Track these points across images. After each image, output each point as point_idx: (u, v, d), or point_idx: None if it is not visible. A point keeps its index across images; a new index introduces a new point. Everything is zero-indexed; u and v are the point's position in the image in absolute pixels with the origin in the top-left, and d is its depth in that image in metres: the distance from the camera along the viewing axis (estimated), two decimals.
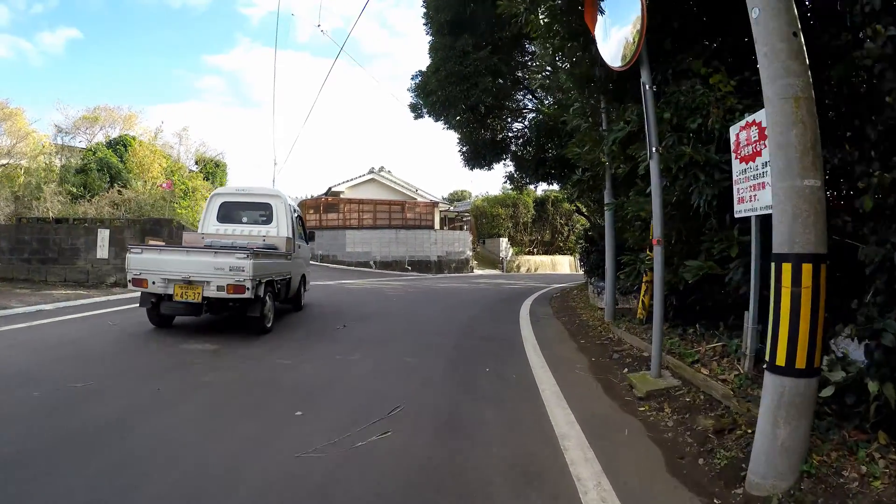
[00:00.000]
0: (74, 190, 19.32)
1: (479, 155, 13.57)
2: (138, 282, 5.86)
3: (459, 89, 11.89)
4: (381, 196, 29.15)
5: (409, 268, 25.97)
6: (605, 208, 7.47)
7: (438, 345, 6.16)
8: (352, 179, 30.82)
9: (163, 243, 8.00)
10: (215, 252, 5.91)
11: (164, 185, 17.84)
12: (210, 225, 7.92)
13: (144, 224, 12.76)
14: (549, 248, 36.07)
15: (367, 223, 26.83)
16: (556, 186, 19.40)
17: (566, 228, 35.90)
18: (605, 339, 6.55)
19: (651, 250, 6.09)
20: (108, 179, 21.78)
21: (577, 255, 40.19)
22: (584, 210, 17.80)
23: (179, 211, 24.63)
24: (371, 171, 31.10)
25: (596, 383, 4.64)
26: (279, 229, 7.82)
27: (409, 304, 10.88)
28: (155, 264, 5.88)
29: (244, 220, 8.08)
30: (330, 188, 31.07)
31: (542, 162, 13.08)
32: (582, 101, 7.30)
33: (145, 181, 24.00)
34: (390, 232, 26.32)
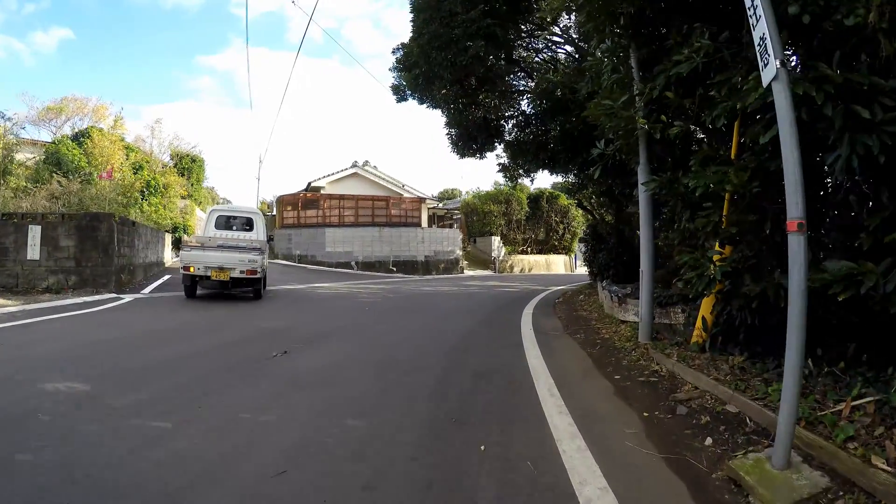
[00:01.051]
0: (25, 184, 17.06)
1: (469, 138, 11.56)
2: (186, 268, 9.17)
3: (444, 56, 9.87)
4: (365, 192, 27.06)
5: (394, 269, 23.93)
6: (642, 188, 5.51)
7: (409, 388, 4.15)
8: (333, 174, 28.69)
9: (199, 244, 10.31)
10: (240, 250, 9.50)
11: (104, 174, 15.59)
12: (210, 230, 11.01)
13: (81, 220, 10.64)
14: (544, 248, 34.21)
15: (348, 220, 24.75)
16: (558, 178, 17.46)
17: (561, 226, 34.07)
18: (651, 374, 4.58)
19: (729, 244, 4.14)
20: (64, 173, 19.58)
21: (577, 255, 38.40)
22: (586, 204, 15.89)
23: (147, 207, 22.42)
24: (354, 165, 28.99)
25: (672, 477, 2.66)
26: (258, 235, 11.20)
27: (384, 315, 8.86)
28: (199, 258, 9.22)
29: (234, 227, 11.24)
30: (310, 183, 28.90)
31: (544, 145, 11.12)
32: (610, 41, 5.35)
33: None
34: (373, 230, 24.26)
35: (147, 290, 11.47)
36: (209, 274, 9.16)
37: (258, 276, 9.49)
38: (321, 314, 8.67)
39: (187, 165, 33.28)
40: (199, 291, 10.09)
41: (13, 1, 50.31)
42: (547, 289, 16.07)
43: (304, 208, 25.78)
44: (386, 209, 24.74)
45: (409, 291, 13.87)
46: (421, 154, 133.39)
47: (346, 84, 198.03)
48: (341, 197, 25.21)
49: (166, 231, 23.84)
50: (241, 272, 9.21)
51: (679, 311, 5.83)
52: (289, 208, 26.26)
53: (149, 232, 16.15)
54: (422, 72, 10.77)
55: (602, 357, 5.44)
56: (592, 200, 16.36)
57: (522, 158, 11.95)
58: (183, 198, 30.16)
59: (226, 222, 11.26)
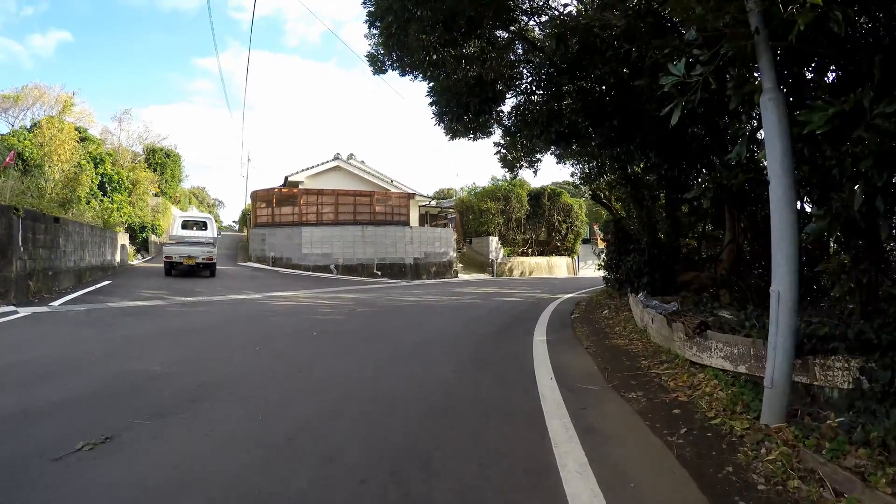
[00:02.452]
0: None
1: (459, 104, 8.79)
2: (168, 257, 14.31)
3: None
4: (348, 188, 24.31)
5: (379, 273, 21.19)
6: (774, 132, 2.79)
7: None
8: (313, 167, 25.95)
9: (176, 242, 15.42)
10: (201, 245, 14.78)
11: (7, 159, 12.83)
12: (178, 230, 16.13)
13: None
14: (545, 249, 31.52)
15: (327, 219, 22.00)
16: (568, 167, 14.74)
17: (564, 226, 31.38)
18: None
19: None
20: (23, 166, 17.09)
21: (590, 256, 35.67)
22: (605, 196, 13.20)
23: (99, 205, 19.62)
24: (336, 158, 26.23)
25: None
26: (212, 233, 16.52)
27: (330, 347, 6.11)
28: (176, 250, 14.39)
29: (194, 228, 16.58)
30: (287, 178, 26.17)
31: (556, 114, 8.40)
32: None
33: (51, 165, 18.86)
34: (355, 229, 21.52)
35: (62, 300, 9.09)
36: (182, 260, 14.32)
37: (213, 261, 14.89)
38: (240, 344, 5.93)
39: (160, 161, 30.56)
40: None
41: (12, 3, 48.16)
42: (554, 297, 13.37)
43: (279, 205, 23.02)
44: (370, 205, 21.99)
45: (385, 304, 11.14)
46: (415, 155, 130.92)
47: (341, 85, 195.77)
48: (319, 192, 22.45)
49: (127, 230, 21.26)
50: (202, 259, 14.53)
51: (839, 364, 3.10)
52: (263, 205, 23.51)
53: (86, 231, 13.48)
54: (396, 18, 8.10)
55: (705, 461, 2.72)
56: (607, 194, 13.68)
57: (527, 133, 9.22)
58: (156, 195, 27.42)
59: (188, 224, 16.74)
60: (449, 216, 32.29)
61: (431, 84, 10.01)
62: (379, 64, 11.42)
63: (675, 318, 5.58)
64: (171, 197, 31.63)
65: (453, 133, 11.71)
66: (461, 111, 8.98)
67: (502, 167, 15.93)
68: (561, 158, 15.00)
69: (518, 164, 15.40)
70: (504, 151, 14.80)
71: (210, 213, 61.63)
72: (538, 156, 14.04)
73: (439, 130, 10.21)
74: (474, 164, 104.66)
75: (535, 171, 15.00)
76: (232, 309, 9.40)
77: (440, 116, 9.41)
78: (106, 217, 18.06)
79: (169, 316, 8.10)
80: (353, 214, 21.93)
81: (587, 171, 13.40)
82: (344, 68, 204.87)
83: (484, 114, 9.15)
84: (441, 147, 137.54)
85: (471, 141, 12.55)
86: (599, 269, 14.32)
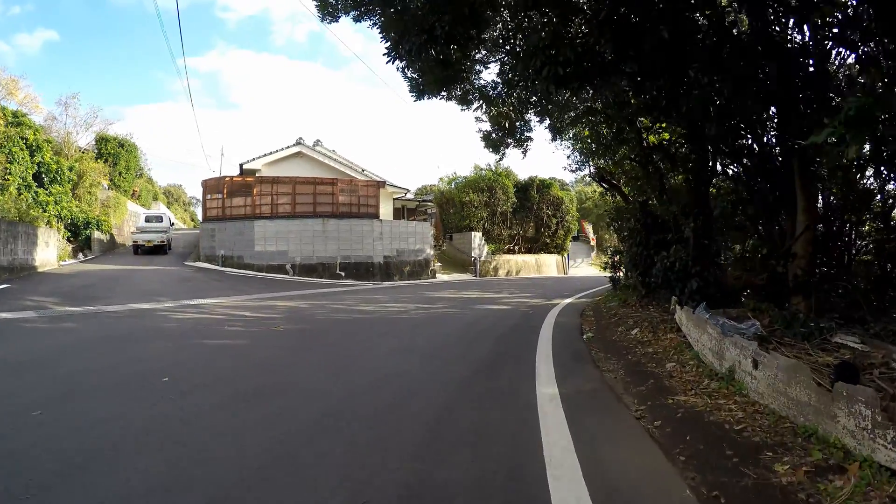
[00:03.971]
0: None
1: (420, 30, 5.95)
2: (137, 240, 19.65)
3: None
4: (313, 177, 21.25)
5: (342, 273, 18.24)
6: None
7: None
8: (272, 153, 22.84)
9: (141, 231, 20.59)
10: (157, 232, 20.23)
11: None
12: (143, 223, 21.46)
13: None
14: (534, 246, 28.87)
15: (283, 211, 18.96)
16: (561, 152, 11.87)
17: (554, 221, 28.75)
18: None
19: None
20: None
21: (567, 255, 33.05)
22: (614, 178, 10.47)
23: (36, 197, 16.26)
24: (298, 143, 23.13)
25: None
26: (166, 224, 21.88)
27: (148, 428, 3.20)
28: (140, 237, 19.78)
29: (153, 220, 21.96)
30: (242, 165, 23.04)
31: (559, 37, 5.59)
32: None
33: None
34: (315, 222, 18.52)
35: None
36: (144, 243, 19.42)
37: (164, 243, 20.01)
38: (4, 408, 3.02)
39: (112, 151, 27.05)
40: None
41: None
42: (550, 302, 10.67)
43: (230, 195, 19.84)
44: (332, 195, 18.96)
45: (325, 318, 8.28)
46: (400, 153, 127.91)
47: (324, 81, 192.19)
48: (274, 180, 19.37)
49: (70, 226, 18.13)
50: (158, 242, 19.68)
51: None
52: (213, 196, 20.36)
53: None
54: None
55: None
56: (616, 173, 10.97)
57: (521, 73, 6.41)
58: (107, 188, 23.97)
59: (150, 219, 22.16)
60: (429, 211, 29.42)
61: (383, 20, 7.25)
62: (329, 9, 8.91)
63: (830, 372, 2.88)
64: (125, 191, 28.11)
65: (419, 89, 8.90)
66: (424, 40, 6.11)
67: (486, 147, 13.16)
68: (558, 134, 12.29)
69: (504, 144, 12.69)
70: (488, 126, 12.06)
71: (187, 211, 58.77)
72: (529, 123, 11.31)
73: (387, 59, 7.26)
74: (457, 155, 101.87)
75: (525, 151, 12.22)
76: (109, 326, 6.59)
77: (394, 49, 6.52)
78: (26, 209, 14.69)
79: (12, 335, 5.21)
80: (312, 206, 18.90)
81: (590, 145, 10.68)
82: (331, 68, 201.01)
83: (457, 44, 6.30)
84: (421, 137, 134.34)
85: (444, 101, 9.79)
86: (604, 269, 11.63)
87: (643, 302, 7.43)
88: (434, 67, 7.64)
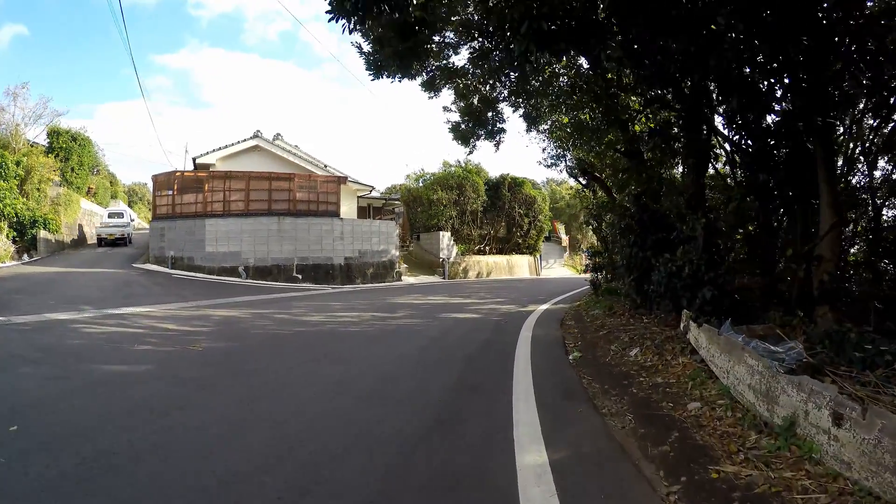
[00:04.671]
0: None
1: None
2: (100, 234, 21.73)
3: None
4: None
5: (300, 276, 16.76)
6: None
7: None
8: (227, 146, 21.07)
9: (105, 226, 22.47)
10: (118, 227, 22.19)
11: None
12: (106, 219, 23.34)
13: None
14: (505, 246, 27.92)
15: (236, 208, 17.36)
16: (535, 145, 10.80)
17: (526, 220, 27.87)
18: None
19: None
20: None
21: (539, 255, 32.18)
22: (596, 171, 9.46)
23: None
24: (256, 136, 21.45)
25: None
26: (126, 220, 23.76)
27: None
28: (104, 231, 21.79)
29: (115, 216, 23.80)
30: (195, 159, 21.22)
31: None
32: None
33: None
34: (270, 221, 16.99)
35: None
36: (107, 236, 21.26)
37: (125, 237, 21.69)
38: None
39: (65, 145, 24.53)
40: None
41: None
42: (526, 310, 9.61)
43: (181, 192, 18.08)
44: (289, 192, 17.45)
45: (262, 333, 6.96)
46: (370, 154, 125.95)
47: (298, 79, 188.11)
48: (227, 175, 17.73)
49: (15, 225, 16.20)
50: (119, 235, 21.47)
51: None
52: (164, 192, 18.55)
53: None
54: None
55: None
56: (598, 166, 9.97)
57: (498, 33, 5.26)
58: (58, 184, 21.61)
59: (112, 215, 24.06)
60: (396, 210, 28.07)
61: None
62: None
63: None
64: (79, 188, 25.61)
65: (376, 66, 7.65)
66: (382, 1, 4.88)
67: (454, 139, 11.98)
68: (533, 123, 11.23)
69: (475, 135, 11.55)
70: (457, 116, 10.91)
71: (150, 210, 57.32)
72: (502, 114, 10.22)
73: (330, 16, 6.05)
74: (427, 153, 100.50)
75: (498, 144, 11.04)
76: None
77: (339, 4, 5.26)
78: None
79: None
80: (268, 203, 17.36)
81: (570, 133, 9.64)
82: (304, 68, 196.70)
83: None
84: (392, 137, 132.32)
85: (406, 81, 8.56)
86: (583, 271, 10.63)
87: (635, 312, 6.40)
88: (392, 38, 6.44)
